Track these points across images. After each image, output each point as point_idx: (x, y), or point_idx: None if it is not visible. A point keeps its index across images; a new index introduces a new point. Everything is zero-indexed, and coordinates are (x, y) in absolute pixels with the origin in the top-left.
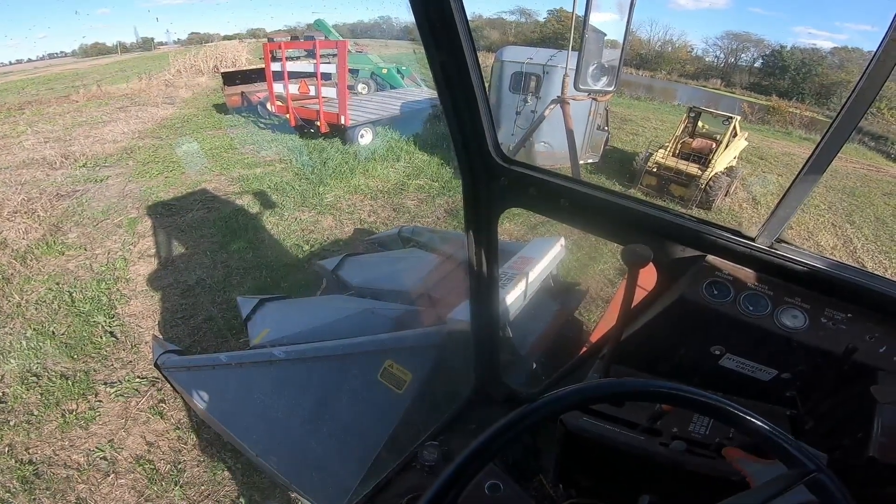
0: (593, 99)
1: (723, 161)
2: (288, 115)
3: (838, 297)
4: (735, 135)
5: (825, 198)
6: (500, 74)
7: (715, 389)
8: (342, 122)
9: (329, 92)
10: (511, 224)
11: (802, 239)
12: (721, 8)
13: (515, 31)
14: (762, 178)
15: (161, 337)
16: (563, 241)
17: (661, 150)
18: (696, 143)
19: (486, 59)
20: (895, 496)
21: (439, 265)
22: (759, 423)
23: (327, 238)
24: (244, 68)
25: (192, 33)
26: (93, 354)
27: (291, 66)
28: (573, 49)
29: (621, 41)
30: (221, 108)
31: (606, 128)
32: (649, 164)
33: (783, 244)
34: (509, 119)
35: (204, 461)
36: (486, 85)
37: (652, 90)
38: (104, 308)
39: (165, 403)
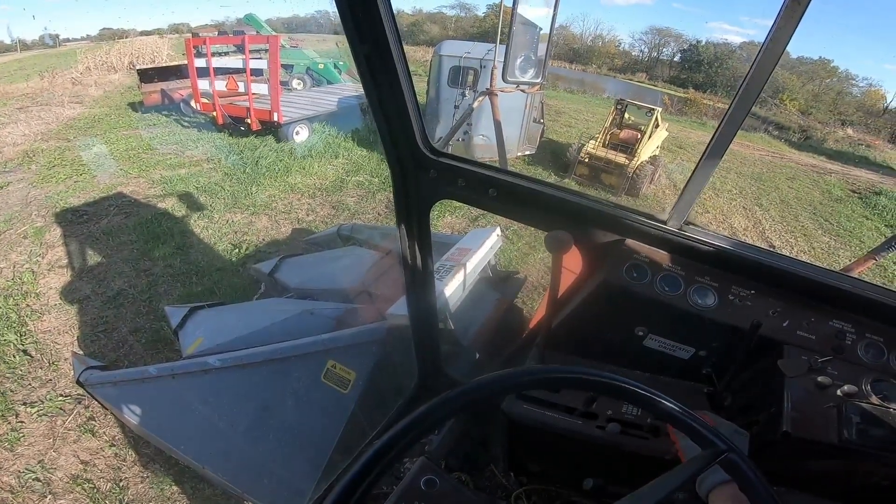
0: (521, 90)
1: (647, 150)
2: (214, 113)
3: (742, 275)
4: (657, 126)
5: (736, 183)
6: (439, 69)
7: (642, 370)
8: (275, 118)
9: (260, 88)
10: (453, 217)
11: (718, 222)
12: (647, 4)
13: (456, 25)
14: (681, 165)
15: (82, 353)
16: (499, 231)
17: (592, 142)
18: (624, 133)
19: (427, 54)
20: (812, 469)
21: (378, 261)
22: (670, 405)
23: (263, 240)
24: (165, 64)
25: (104, 29)
26: (7, 374)
27: (218, 62)
28: (502, 42)
29: (548, 35)
30: (139, 107)
31: (542, 120)
32: (581, 154)
33: (691, 226)
34: (449, 113)
35: (148, 477)
36: (426, 80)
37: (584, 83)
38: (14, 325)
39: (96, 420)
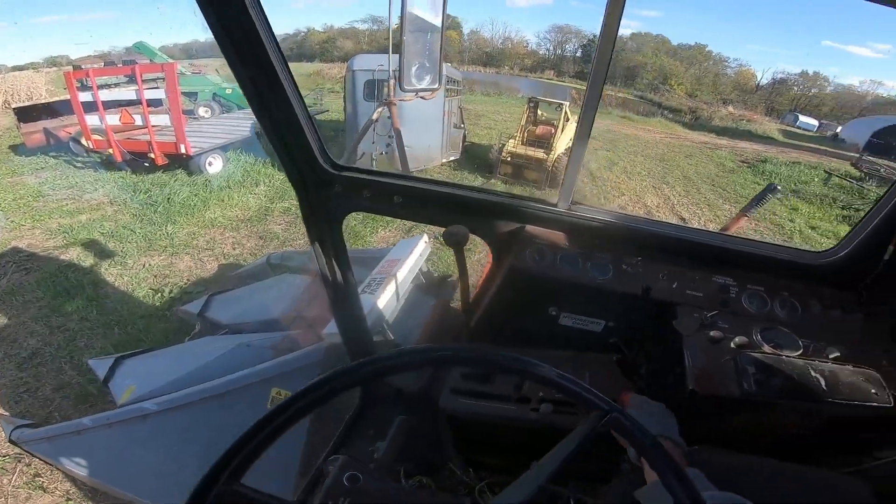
0: (421, 98)
1: (562, 143)
2: (111, 150)
3: (630, 245)
4: (567, 119)
5: (644, 166)
6: (353, 84)
7: (563, 348)
8: (182, 150)
9: (161, 119)
10: (387, 231)
11: (633, 203)
12: (548, 3)
13: (370, 38)
14: (594, 153)
15: (7, 414)
16: (426, 237)
17: (512, 140)
18: (539, 130)
19: (342, 71)
20: (726, 424)
21: (311, 284)
22: (552, 374)
23: (187, 280)
24: (46, 101)
25: None
26: None
27: (108, 95)
28: (395, 52)
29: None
30: (20, 150)
31: (463, 125)
32: (503, 154)
33: (578, 205)
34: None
35: None
36: (341, 95)
37: (499, 85)
38: None
39: (43, 476)
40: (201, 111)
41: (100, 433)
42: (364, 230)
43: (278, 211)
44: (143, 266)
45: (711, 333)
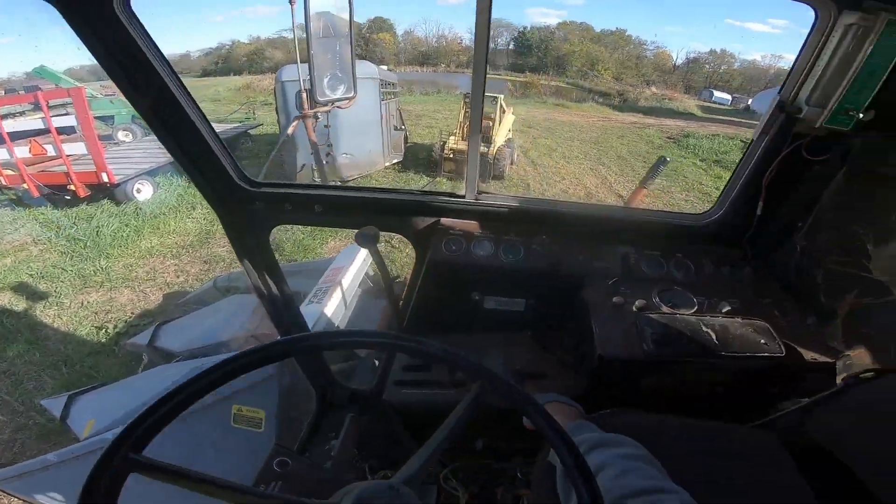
0: (339, 108)
1: (500, 136)
2: (26, 185)
3: (537, 224)
4: (503, 111)
5: (581, 150)
6: (284, 95)
7: (490, 330)
8: (105, 179)
9: (76, 148)
10: (336, 241)
11: (574, 186)
12: None
13: (300, 47)
14: (534, 142)
15: None
16: None
17: (452, 137)
18: None
19: (273, 82)
20: (633, 388)
21: (259, 302)
22: (430, 348)
23: (131, 314)
24: None
25: None
26: None
27: (13, 125)
28: (304, 62)
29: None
30: None
31: (403, 126)
32: (445, 151)
33: (484, 194)
34: (304, 138)
35: None
36: (275, 107)
37: (437, 84)
38: None
39: None
40: (121, 135)
41: (69, 466)
42: (314, 242)
43: (220, 233)
44: (81, 304)
45: (614, 299)
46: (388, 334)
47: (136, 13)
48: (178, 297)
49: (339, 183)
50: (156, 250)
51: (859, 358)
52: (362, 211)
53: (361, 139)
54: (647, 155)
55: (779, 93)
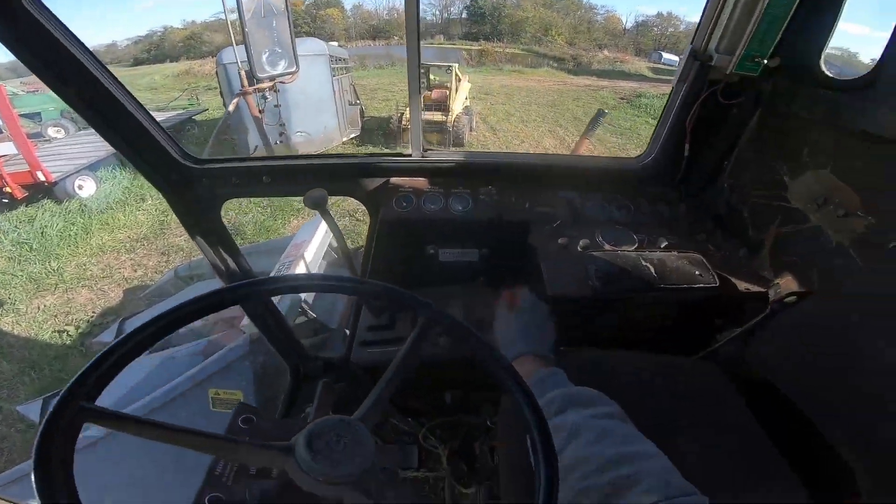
0: (282, 83)
1: (458, 104)
2: None
3: (483, 177)
4: (459, 80)
5: (538, 113)
6: (227, 78)
7: (449, 283)
8: (41, 178)
9: (6, 148)
10: (298, 220)
11: (534, 148)
12: None
13: (236, 28)
14: (492, 109)
15: None
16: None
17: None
18: (434, 94)
19: (214, 66)
20: (585, 326)
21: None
22: (371, 286)
23: (93, 313)
24: None
25: None
26: None
27: None
28: (239, 43)
29: (287, 21)
30: None
31: (358, 101)
32: (403, 122)
33: (430, 151)
34: (251, 119)
35: None
36: (218, 91)
37: (391, 56)
38: None
39: None
40: (51, 132)
41: None
42: (275, 224)
43: (176, 223)
44: (39, 308)
45: (560, 240)
46: (335, 276)
47: (48, 5)
48: (138, 291)
49: None
50: (108, 246)
51: (787, 285)
52: (311, 177)
53: (316, 116)
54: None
55: (692, 42)
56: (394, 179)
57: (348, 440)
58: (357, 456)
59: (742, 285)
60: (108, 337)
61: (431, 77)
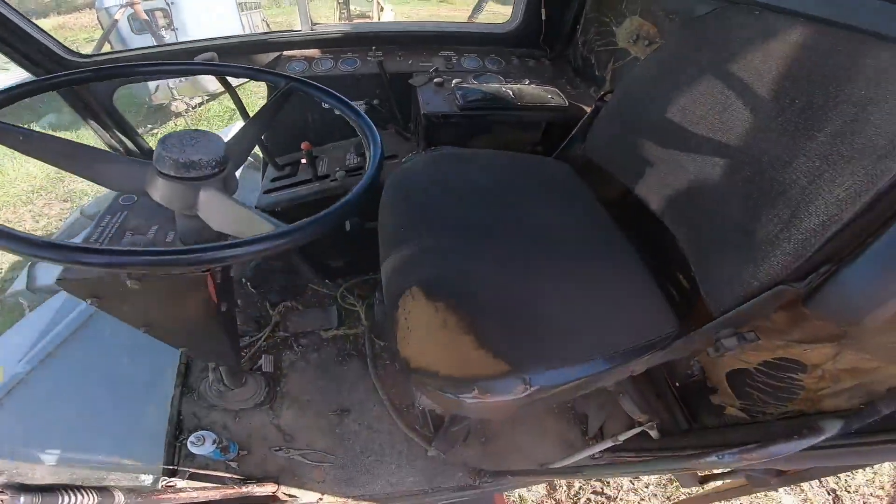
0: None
1: None
2: None
3: (369, 43)
4: (382, 9)
5: None
6: (112, 24)
7: (348, 135)
8: None
9: None
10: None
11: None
12: None
13: None
14: None
15: None
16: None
17: None
18: (356, 23)
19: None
20: (455, 139)
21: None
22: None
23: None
24: None
25: None
26: None
27: None
28: None
29: None
30: None
31: None
32: None
33: (318, 24)
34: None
35: None
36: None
37: None
38: None
39: None
40: None
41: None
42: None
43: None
44: None
45: (436, 80)
46: (200, 63)
47: None
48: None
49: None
50: (2, 202)
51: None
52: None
53: (205, 19)
54: None
55: None
56: (287, 52)
57: (200, 138)
58: (210, 146)
59: (589, 108)
60: (19, 285)
61: (352, 8)
